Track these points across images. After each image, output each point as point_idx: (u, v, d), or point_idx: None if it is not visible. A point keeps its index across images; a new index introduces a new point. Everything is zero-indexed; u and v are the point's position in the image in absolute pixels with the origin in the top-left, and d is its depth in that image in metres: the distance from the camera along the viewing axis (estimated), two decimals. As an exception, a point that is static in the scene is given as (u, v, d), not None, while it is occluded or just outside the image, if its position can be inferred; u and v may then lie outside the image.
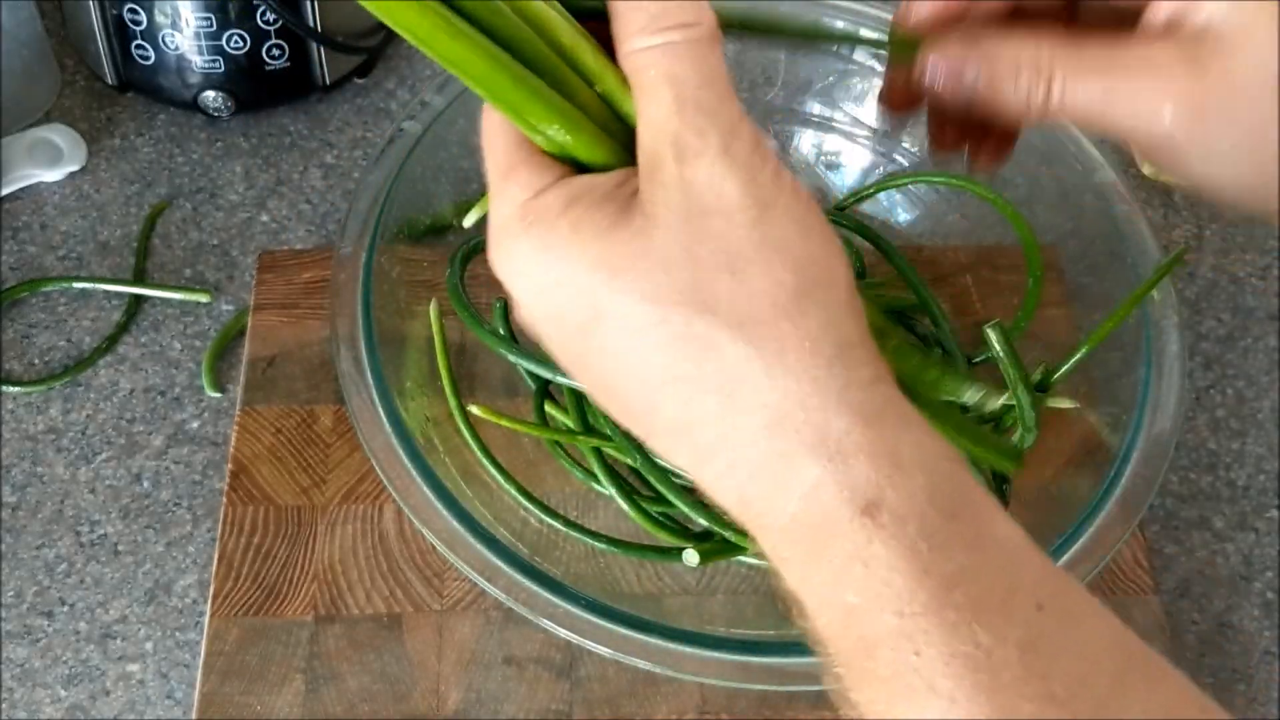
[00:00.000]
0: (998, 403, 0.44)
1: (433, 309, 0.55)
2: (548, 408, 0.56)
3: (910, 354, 0.40)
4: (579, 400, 0.54)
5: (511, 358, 0.54)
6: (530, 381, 0.56)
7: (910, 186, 0.65)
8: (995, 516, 0.29)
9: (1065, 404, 0.51)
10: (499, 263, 0.31)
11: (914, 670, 0.26)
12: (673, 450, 0.31)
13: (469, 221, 0.50)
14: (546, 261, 0.30)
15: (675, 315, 0.29)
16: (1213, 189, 0.35)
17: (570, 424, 0.54)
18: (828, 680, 0.29)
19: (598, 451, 0.53)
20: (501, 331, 0.55)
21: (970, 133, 0.41)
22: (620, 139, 0.31)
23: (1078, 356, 0.51)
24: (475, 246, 0.55)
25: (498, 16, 0.30)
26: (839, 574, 0.28)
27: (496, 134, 0.32)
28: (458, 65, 0.29)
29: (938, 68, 0.36)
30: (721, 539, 0.50)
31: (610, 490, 0.53)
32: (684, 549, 0.50)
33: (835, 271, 0.30)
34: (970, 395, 0.42)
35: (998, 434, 0.53)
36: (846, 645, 0.28)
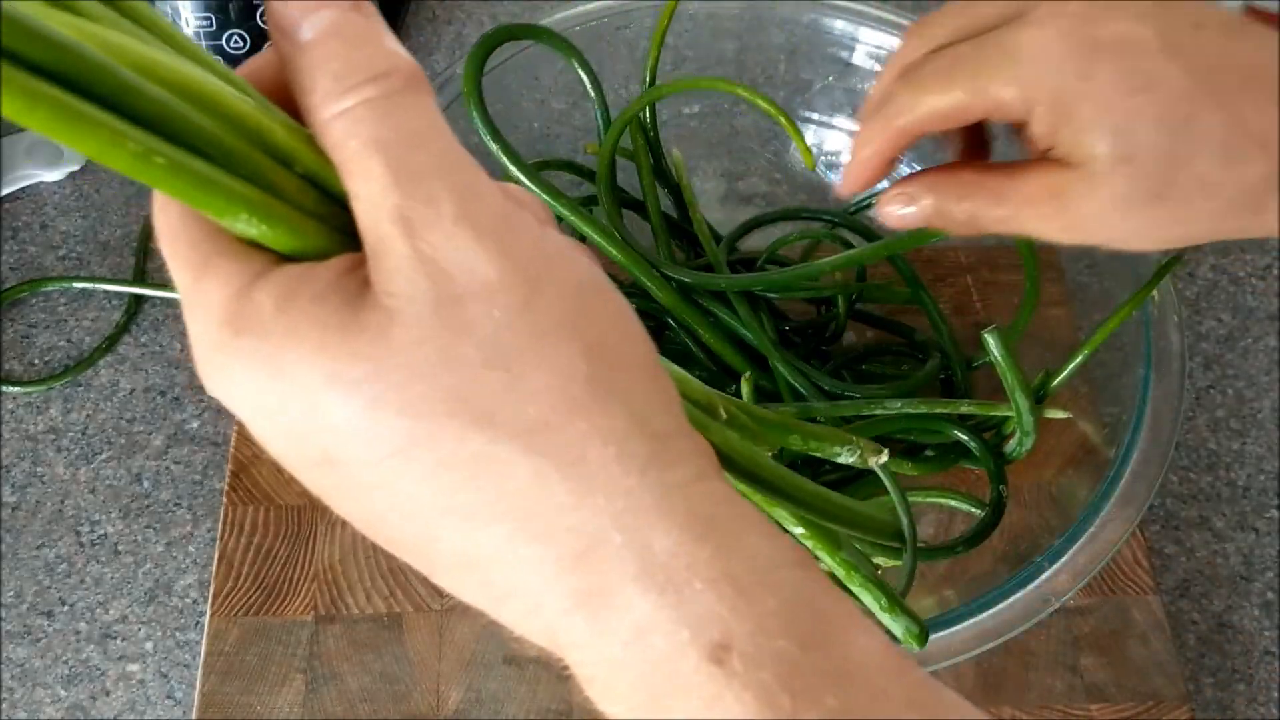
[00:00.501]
0: (878, 460, 0.39)
1: None
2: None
3: (766, 422, 0.36)
4: None
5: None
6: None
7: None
8: (851, 628, 0.24)
9: (1058, 414, 0.51)
10: (211, 384, 0.24)
11: None
12: (461, 590, 0.26)
13: None
14: (264, 379, 0.23)
15: (442, 432, 0.23)
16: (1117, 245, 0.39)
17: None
18: None
19: None
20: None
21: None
22: (336, 223, 0.25)
23: (1078, 360, 0.51)
24: None
25: (136, 95, 0.22)
26: None
27: (177, 228, 0.25)
28: (94, 153, 0.22)
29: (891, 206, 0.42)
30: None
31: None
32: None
33: (634, 350, 0.25)
34: (845, 454, 0.39)
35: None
36: None
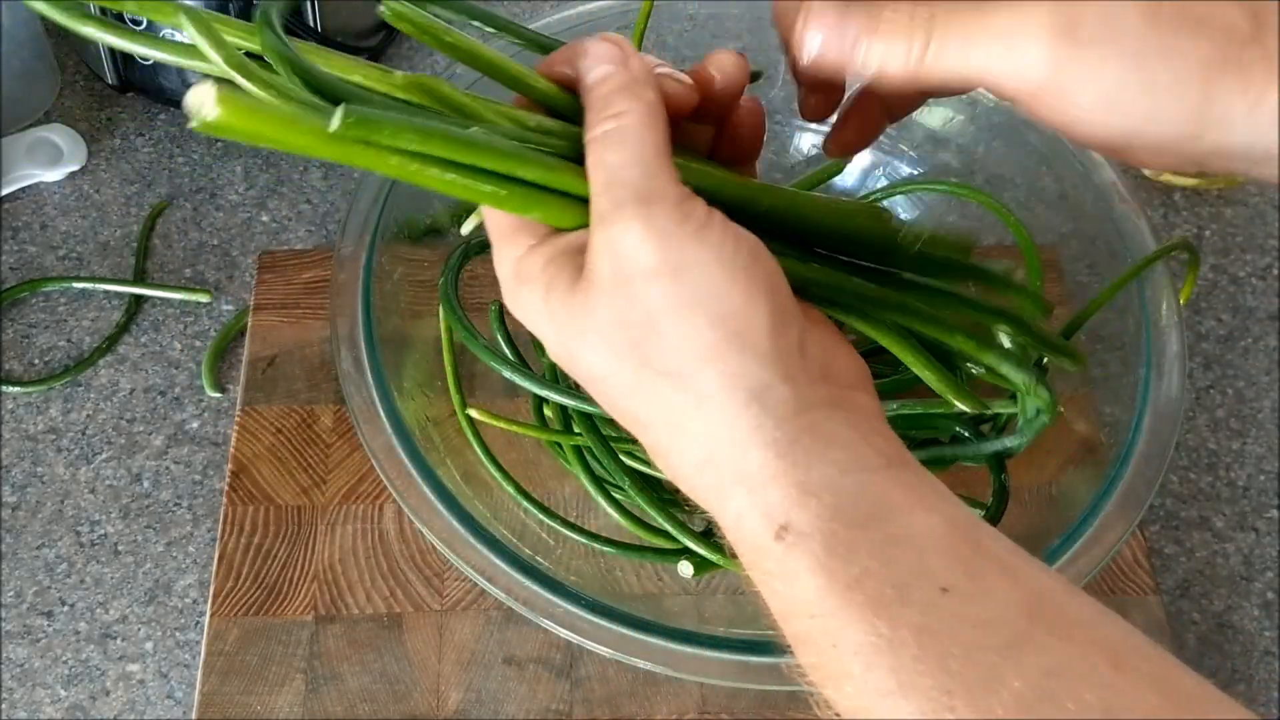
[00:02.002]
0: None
1: (442, 312, 0.55)
2: (548, 410, 0.55)
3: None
4: (563, 410, 0.54)
5: (493, 365, 0.53)
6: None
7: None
8: (914, 511, 0.32)
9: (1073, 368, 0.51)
10: (513, 309, 0.37)
11: (834, 659, 0.31)
12: (661, 464, 0.36)
13: (466, 229, 0.50)
14: (538, 315, 0.36)
15: (622, 369, 0.34)
16: (1079, 137, 0.37)
17: (575, 428, 0.54)
18: (789, 661, 0.34)
19: (583, 461, 0.53)
20: (498, 334, 0.55)
21: (841, 106, 0.43)
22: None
23: (1083, 314, 0.52)
24: (468, 252, 0.55)
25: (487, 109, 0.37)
26: (768, 586, 0.33)
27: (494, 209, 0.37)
28: (452, 190, 0.34)
29: (818, 32, 0.37)
30: (716, 545, 0.50)
31: (597, 499, 0.52)
32: (684, 553, 0.50)
33: (753, 321, 0.33)
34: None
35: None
36: (787, 638, 0.33)
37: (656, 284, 0.33)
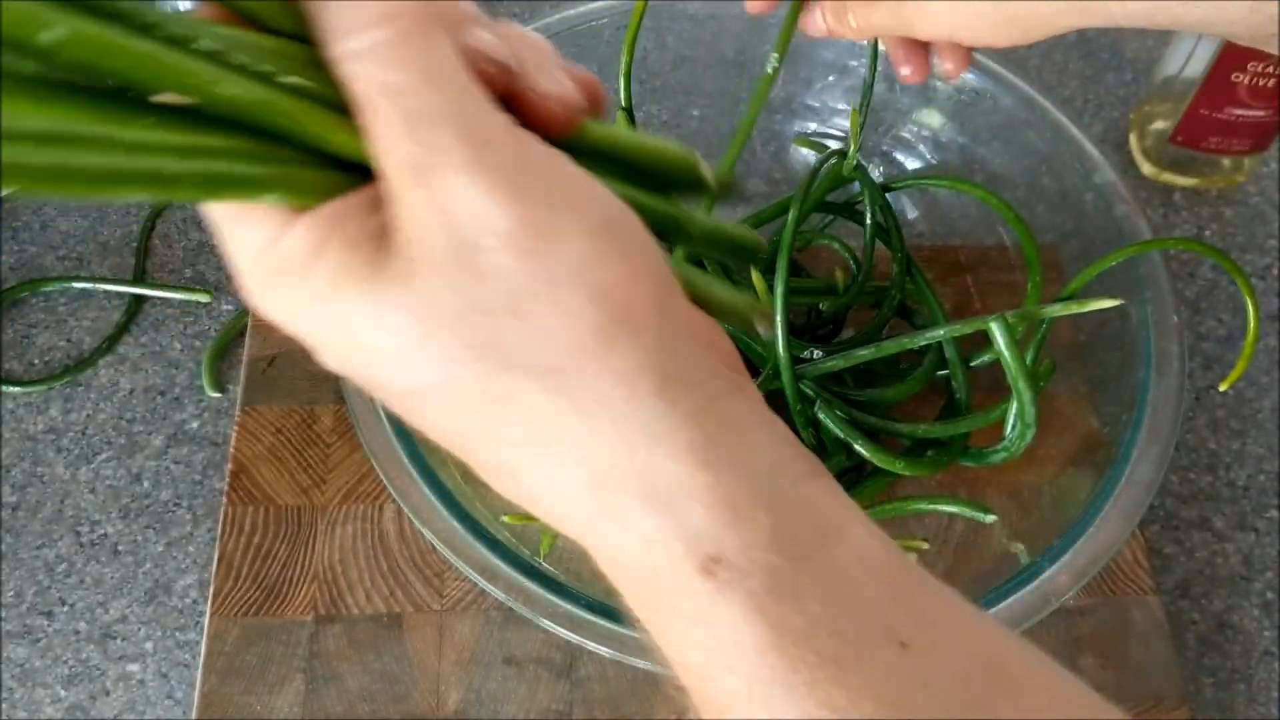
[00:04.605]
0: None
1: None
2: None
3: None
4: None
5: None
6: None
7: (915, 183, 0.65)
8: (850, 537, 0.26)
9: (1107, 304, 0.51)
10: (267, 309, 0.26)
11: None
12: (504, 493, 0.28)
13: None
14: (312, 318, 0.25)
15: (468, 375, 0.25)
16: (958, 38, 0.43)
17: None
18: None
19: None
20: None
21: None
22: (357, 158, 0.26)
23: (1072, 286, 0.52)
24: None
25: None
26: (683, 634, 0.26)
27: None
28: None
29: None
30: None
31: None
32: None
33: (647, 289, 0.26)
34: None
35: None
36: (698, 696, 0.26)
37: (513, 254, 0.24)
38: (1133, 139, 0.75)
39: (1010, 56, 0.79)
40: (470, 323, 0.24)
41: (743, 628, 0.25)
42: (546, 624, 0.46)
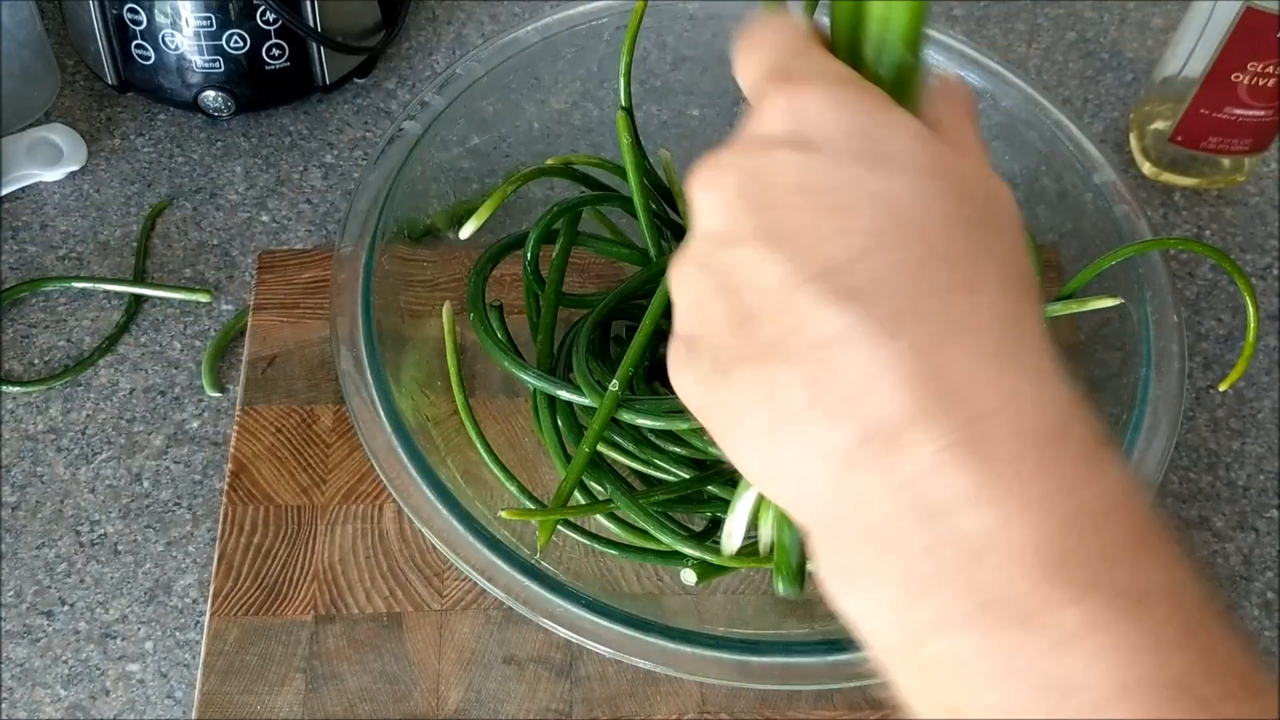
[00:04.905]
0: None
1: (446, 312, 0.55)
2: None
3: None
4: (569, 409, 0.54)
5: (512, 369, 0.54)
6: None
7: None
8: (1172, 555, 0.26)
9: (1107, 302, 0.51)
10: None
11: None
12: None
13: (465, 233, 0.50)
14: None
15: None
16: None
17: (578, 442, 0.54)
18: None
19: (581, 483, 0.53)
20: (499, 335, 0.55)
21: None
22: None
23: (1072, 285, 0.52)
24: (495, 255, 0.55)
25: None
26: (1018, 655, 0.25)
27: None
28: None
29: None
30: (713, 546, 0.50)
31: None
32: (683, 555, 0.50)
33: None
34: None
35: None
36: None
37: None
38: (1133, 139, 0.75)
39: (1010, 56, 0.79)
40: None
41: (1108, 655, 0.24)
42: (546, 624, 0.46)
